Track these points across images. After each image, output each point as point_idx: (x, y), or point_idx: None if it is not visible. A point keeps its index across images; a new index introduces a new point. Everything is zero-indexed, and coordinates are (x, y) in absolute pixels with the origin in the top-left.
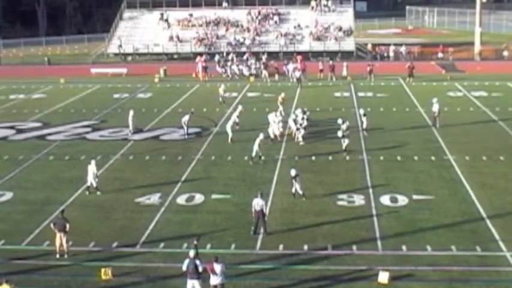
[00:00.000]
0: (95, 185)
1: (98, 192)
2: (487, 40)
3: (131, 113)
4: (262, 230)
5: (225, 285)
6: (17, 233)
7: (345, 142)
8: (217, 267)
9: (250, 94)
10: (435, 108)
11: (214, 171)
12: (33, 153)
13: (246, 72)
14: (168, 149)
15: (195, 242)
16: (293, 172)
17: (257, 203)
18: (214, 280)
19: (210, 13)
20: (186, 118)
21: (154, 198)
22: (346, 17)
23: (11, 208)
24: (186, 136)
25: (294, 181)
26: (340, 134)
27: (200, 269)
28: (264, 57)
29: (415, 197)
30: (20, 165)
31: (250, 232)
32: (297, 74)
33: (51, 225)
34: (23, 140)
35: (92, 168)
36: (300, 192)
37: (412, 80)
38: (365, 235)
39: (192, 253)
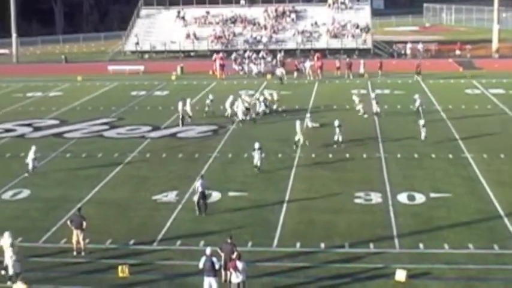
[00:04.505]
0: (30, 166)
1: (26, 174)
2: (505, 37)
3: (180, 103)
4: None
5: (245, 283)
6: (34, 231)
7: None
8: (240, 265)
9: (266, 92)
10: (417, 103)
11: (231, 168)
12: (51, 151)
13: (255, 69)
14: (184, 146)
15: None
16: (257, 145)
17: (200, 184)
18: (236, 278)
19: (227, 11)
20: (180, 106)
21: (171, 196)
22: (363, 15)
23: (28, 205)
24: (181, 125)
25: (255, 153)
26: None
27: (217, 266)
28: (280, 55)
29: (432, 195)
30: (38, 163)
31: (267, 230)
32: (278, 72)
33: (68, 223)
34: (40, 137)
35: (30, 154)
36: (258, 164)
37: (422, 78)
38: (382, 233)
39: (208, 250)
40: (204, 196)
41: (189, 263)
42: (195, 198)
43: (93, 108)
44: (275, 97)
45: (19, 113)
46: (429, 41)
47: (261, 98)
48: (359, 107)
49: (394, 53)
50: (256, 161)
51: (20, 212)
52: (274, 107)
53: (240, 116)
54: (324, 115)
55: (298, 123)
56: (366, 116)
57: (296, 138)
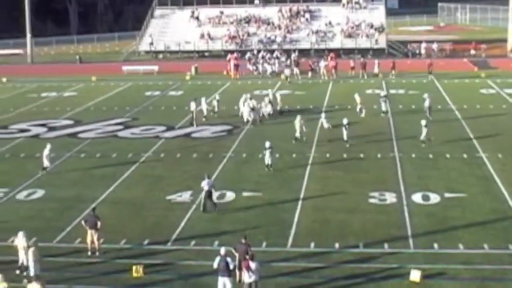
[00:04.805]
0: (44, 164)
1: (40, 173)
2: None
3: (193, 103)
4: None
5: (258, 283)
6: (49, 230)
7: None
8: (253, 265)
9: (281, 92)
10: (427, 103)
11: (245, 168)
12: (65, 151)
13: (269, 69)
14: (199, 146)
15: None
16: (267, 144)
17: (206, 183)
18: (249, 278)
19: (241, 11)
20: (193, 106)
21: (185, 196)
22: (377, 14)
23: (43, 205)
24: (195, 126)
25: (266, 152)
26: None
27: (231, 266)
28: (294, 55)
29: (447, 195)
30: (52, 162)
31: (281, 230)
32: (286, 72)
33: (83, 223)
34: (54, 137)
35: (45, 151)
36: (269, 162)
37: (435, 77)
38: (397, 233)
39: (223, 250)
40: (210, 195)
41: (204, 263)
42: (204, 196)
43: (108, 108)
44: (278, 98)
45: (34, 113)
46: (444, 41)
47: (267, 100)
48: (359, 107)
49: (408, 53)
50: (267, 160)
51: (34, 212)
52: (278, 107)
53: (246, 117)
54: (338, 115)
55: (298, 117)
56: (362, 115)
57: (296, 134)
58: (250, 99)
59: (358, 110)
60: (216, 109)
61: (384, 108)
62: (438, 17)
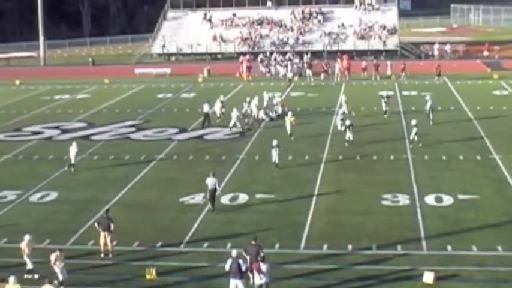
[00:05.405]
0: (72, 161)
1: (72, 169)
2: None
3: (206, 105)
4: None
5: (269, 284)
6: (62, 233)
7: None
8: (263, 267)
9: (293, 94)
10: (428, 105)
11: (258, 171)
12: (78, 153)
13: (282, 71)
14: (211, 148)
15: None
16: (274, 142)
17: (210, 182)
18: (260, 280)
19: (254, 13)
20: (206, 108)
21: (198, 198)
22: (390, 16)
23: (56, 208)
24: (206, 126)
25: (273, 150)
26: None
27: (243, 268)
28: (307, 57)
29: (460, 196)
30: (65, 165)
31: (294, 232)
32: (290, 74)
33: (96, 225)
34: (67, 140)
35: (74, 149)
36: (276, 161)
37: (438, 79)
38: (410, 235)
39: (234, 253)
40: (213, 194)
41: (216, 265)
42: (209, 195)
43: (120, 110)
44: (277, 101)
45: (47, 116)
46: (457, 42)
47: (275, 101)
48: (343, 107)
49: (421, 54)
50: (274, 158)
51: (48, 214)
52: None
53: (234, 120)
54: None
55: (290, 113)
56: (353, 114)
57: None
58: (249, 102)
59: (341, 111)
60: (223, 110)
61: (384, 109)
62: (451, 18)
